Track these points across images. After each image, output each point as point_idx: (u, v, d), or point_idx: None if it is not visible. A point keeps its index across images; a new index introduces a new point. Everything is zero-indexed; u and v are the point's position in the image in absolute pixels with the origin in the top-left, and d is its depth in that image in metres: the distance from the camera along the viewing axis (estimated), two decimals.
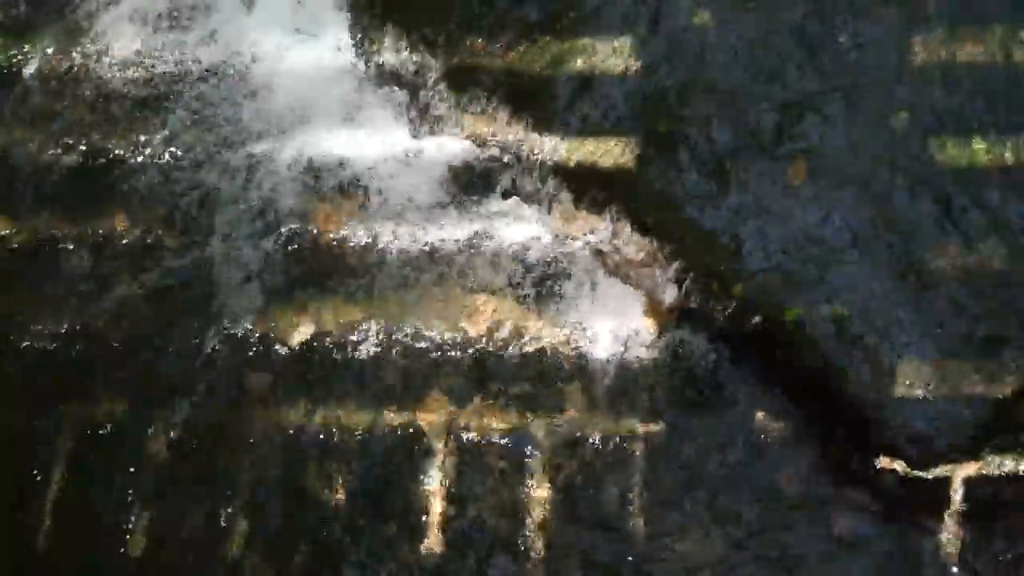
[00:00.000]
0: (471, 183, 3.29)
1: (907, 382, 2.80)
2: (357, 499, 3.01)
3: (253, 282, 3.24)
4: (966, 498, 2.82)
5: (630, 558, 2.92)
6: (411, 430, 3.06)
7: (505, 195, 3.26)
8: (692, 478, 2.97)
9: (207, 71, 3.49)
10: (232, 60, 3.50)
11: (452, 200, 3.29)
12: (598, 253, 3.18)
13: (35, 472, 3.07)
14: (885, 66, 3.03)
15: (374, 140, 3.37)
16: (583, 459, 3.01)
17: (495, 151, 3.26)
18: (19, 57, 3.58)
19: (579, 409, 3.06)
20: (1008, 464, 2.81)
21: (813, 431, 2.97)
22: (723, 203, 2.98)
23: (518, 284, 3.19)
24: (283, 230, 3.29)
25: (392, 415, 3.08)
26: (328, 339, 3.17)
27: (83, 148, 3.44)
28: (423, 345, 3.15)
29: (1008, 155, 2.92)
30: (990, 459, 2.82)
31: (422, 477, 3.02)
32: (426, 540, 2.96)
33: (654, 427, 3.02)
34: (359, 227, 3.29)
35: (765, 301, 2.92)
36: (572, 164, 3.13)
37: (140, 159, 3.42)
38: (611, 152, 3.09)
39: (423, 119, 3.33)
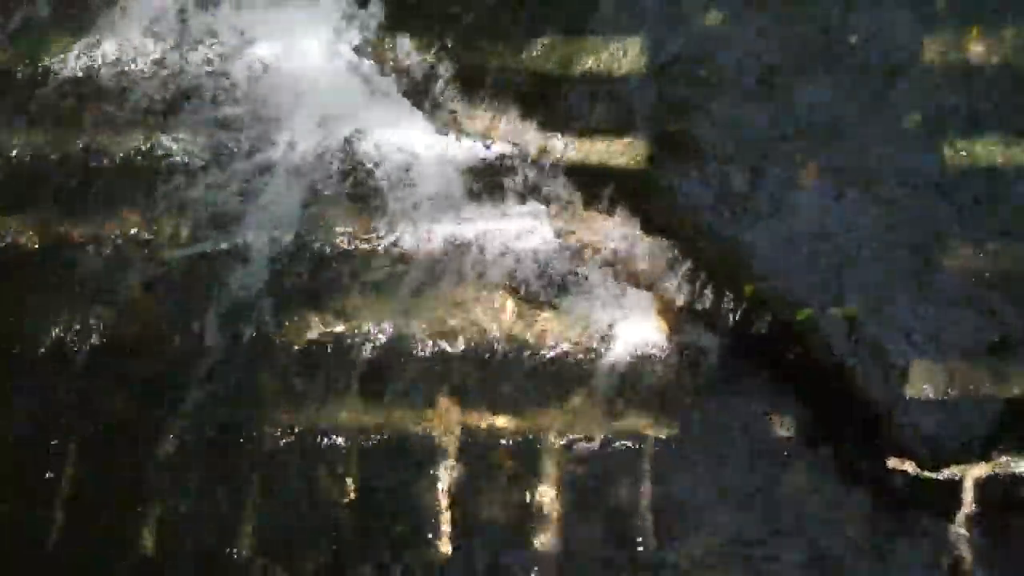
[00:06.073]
0: (482, 184, 3.29)
1: (918, 383, 2.80)
2: (367, 499, 3.01)
3: (263, 282, 3.24)
4: (977, 499, 2.81)
5: (639, 559, 2.91)
6: (421, 430, 3.06)
7: (516, 196, 3.26)
8: (702, 479, 2.96)
9: (218, 73, 3.50)
10: (244, 62, 3.51)
11: (462, 201, 3.29)
12: (608, 254, 3.18)
13: (45, 472, 3.07)
14: (898, 66, 3.03)
15: (384, 141, 3.37)
16: (593, 460, 3.01)
17: (506, 152, 3.26)
18: (34, 60, 3.59)
19: (589, 409, 3.05)
20: (1019, 465, 2.81)
21: (824, 432, 2.97)
22: (734, 203, 2.98)
23: (528, 284, 3.19)
24: (293, 230, 3.29)
25: (402, 415, 3.08)
26: (337, 339, 3.17)
27: (94, 148, 3.44)
28: (432, 345, 3.15)
29: (1020, 155, 2.92)
30: (1001, 460, 2.81)
31: (432, 478, 3.02)
32: (436, 541, 2.96)
33: (664, 428, 3.02)
34: (369, 227, 3.29)
35: (776, 301, 2.92)
36: (583, 164, 3.13)
37: (151, 160, 3.42)
38: (622, 152, 3.09)
39: (435, 120, 3.33)
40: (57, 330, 3.23)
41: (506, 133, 3.24)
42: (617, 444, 3.02)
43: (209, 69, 3.51)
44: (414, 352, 3.15)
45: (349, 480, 3.02)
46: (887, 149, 2.97)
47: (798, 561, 2.88)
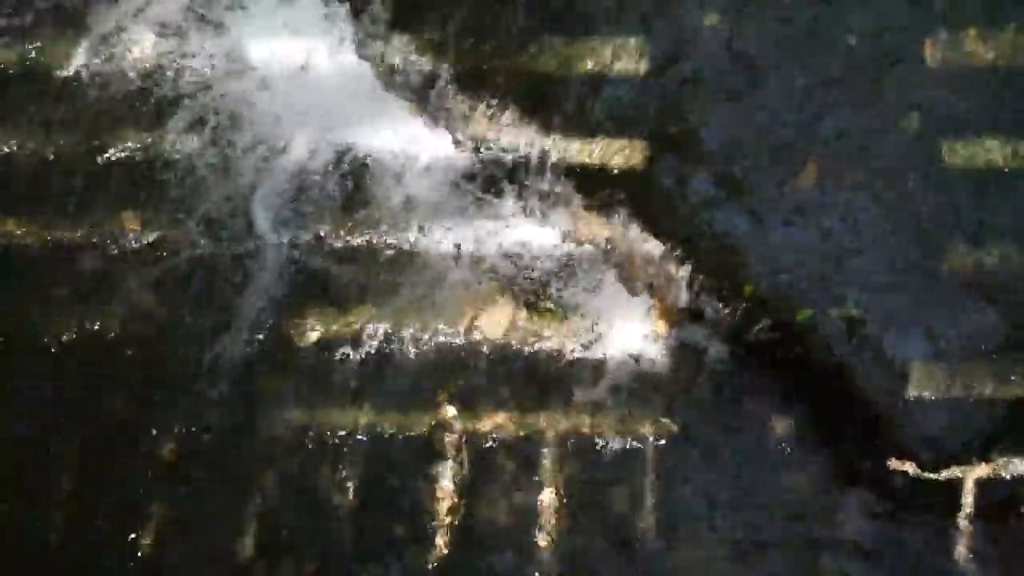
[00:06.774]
0: (481, 185, 3.29)
1: (918, 384, 2.79)
2: (367, 501, 3.01)
3: (264, 283, 3.25)
4: (977, 500, 2.81)
5: (639, 560, 2.91)
6: (421, 432, 3.06)
7: (515, 196, 3.26)
8: (702, 479, 2.97)
9: (220, 75, 3.50)
10: (245, 64, 3.51)
11: (462, 202, 3.29)
12: (608, 255, 3.18)
13: (46, 473, 3.07)
14: (896, 67, 3.03)
15: (384, 143, 3.37)
16: (593, 461, 3.01)
17: (505, 153, 3.27)
18: (35, 62, 3.59)
19: (589, 411, 3.06)
20: (1020, 466, 2.81)
21: (824, 433, 2.97)
22: (733, 204, 2.98)
23: (528, 285, 3.19)
24: (293, 231, 3.30)
25: (402, 417, 3.08)
26: (338, 340, 3.17)
27: (94, 148, 3.45)
28: (433, 347, 3.15)
29: (1020, 155, 2.92)
30: (1002, 461, 2.81)
31: (432, 479, 3.02)
32: (435, 542, 2.96)
33: (664, 429, 3.02)
34: (369, 229, 3.29)
35: (776, 302, 2.92)
36: (582, 166, 3.13)
37: (151, 161, 3.42)
38: (621, 153, 3.09)
39: (433, 122, 3.34)
40: (57, 330, 3.23)
41: (506, 133, 3.24)
42: (617, 444, 3.02)
43: (210, 70, 3.52)
44: (414, 352, 3.15)
45: (349, 480, 3.02)
46: (887, 149, 2.97)
47: (798, 562, 2.87)
